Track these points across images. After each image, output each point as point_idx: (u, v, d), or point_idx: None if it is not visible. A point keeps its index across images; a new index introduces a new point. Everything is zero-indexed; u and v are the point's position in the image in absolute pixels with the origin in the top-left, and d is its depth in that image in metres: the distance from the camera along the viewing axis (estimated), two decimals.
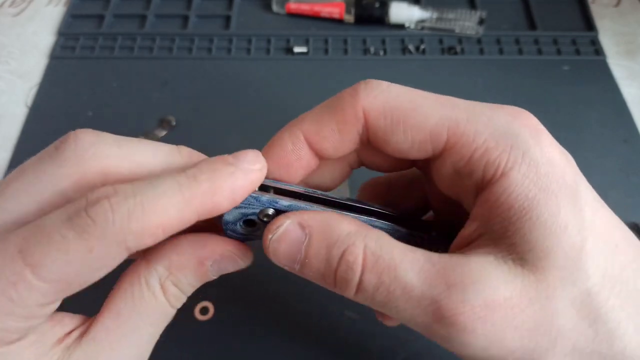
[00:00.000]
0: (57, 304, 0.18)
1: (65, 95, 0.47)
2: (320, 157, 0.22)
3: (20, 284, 0.16)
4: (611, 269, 0.18)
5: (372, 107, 0.20)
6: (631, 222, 0.39)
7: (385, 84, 0.20)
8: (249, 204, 0.20)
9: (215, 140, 0.44)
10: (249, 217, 0.21)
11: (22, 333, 0.18)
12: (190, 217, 0.18)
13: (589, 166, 0.42)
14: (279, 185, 0.21)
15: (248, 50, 0.51)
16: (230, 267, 0.21)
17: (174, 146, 0.21)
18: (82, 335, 0.19)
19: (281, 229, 0.20)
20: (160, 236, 0.18)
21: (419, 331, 0.19)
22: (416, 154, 0.20)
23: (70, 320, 0.20)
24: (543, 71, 0.49)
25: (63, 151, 0.19)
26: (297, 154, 0.21)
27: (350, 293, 0.19)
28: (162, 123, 0.45)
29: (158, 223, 0.17)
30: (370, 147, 0.22)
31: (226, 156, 0.20)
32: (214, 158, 0.20)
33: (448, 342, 0.18)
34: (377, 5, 0.51)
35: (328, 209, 0.21)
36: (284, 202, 0.20)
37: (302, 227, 0.20)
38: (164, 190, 0.18)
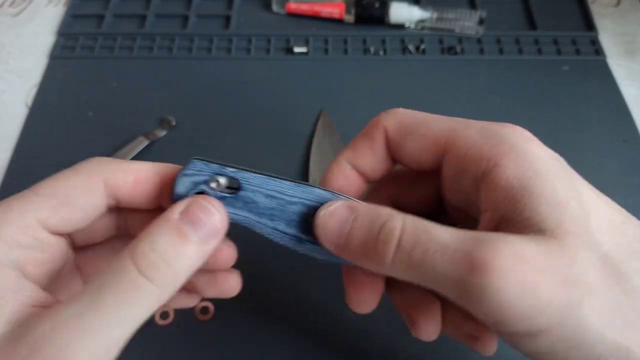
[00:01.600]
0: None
1: (65, 95, 0.47)
2: (364, 177, 0.26)
3: None
4: (621, 238, 0.20)
5: (389, 124, 0.24)
6: None
7: (401, 109, 0.25)
8: (200, 171, 0.23)
9: (215, 139, 0.44)
10: (200, 189, 0.23)
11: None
12: (155, 175, 0.24)
13: (588, 166, 0.42)
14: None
15: (248, 50, 0.51)
16: (202, 216, 0.22)
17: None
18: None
19: (332, 207, 0.23)
20: (131, 181, 0.23)
21: (453, 295, 0.20)
22: (425, 159, 0.24)
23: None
24: (543, 71, 0.49)
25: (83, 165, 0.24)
26: (344, 176, 0.26)
27: (389, 255, 0.21)
28: (162, 123, 0.45)
29: (129, 169, 0.23)
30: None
31: None
32: None
33: (482, 296, 0.19)
34: (377, 5, 0.51)
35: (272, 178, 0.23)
36: (231, 169, 0.23)
37: (350, 208, 0.22)
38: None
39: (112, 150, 0.43)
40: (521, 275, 0.18)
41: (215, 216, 0.22)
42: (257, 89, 0.48)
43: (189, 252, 0.21)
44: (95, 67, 0.50)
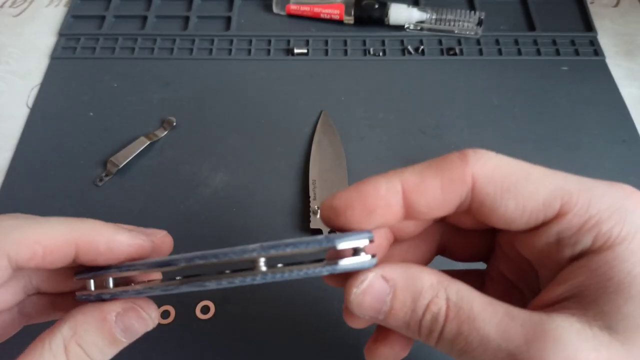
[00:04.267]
0: None
1: (66, 96, 0.48)
2: (409, 213, 0.20)
3: None
4: None
5: (482, 173, 0.19)
6: None
7: (493, 153, 0.20)
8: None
9: (215, 140, 0.44)
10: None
11: None
12: (69, 244, 0.21)
13: (587, 166, 0.42)
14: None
15: (248, 51, 0.51)
16: (136, 324, 0.22)
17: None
18: None
19: (365, 283, 0.19)
20: (39, 253, 0.20)
21: None
22: (523, 223, 0.20)
23: None
24: (542, 72, 0.49)
25: None
26: (386, 200, 0.20)
27: (432, 342, 0.19)
28: (163, 123, 0.45)
29: (36, 239, 0.20)
30: (460, 216, 0.22)
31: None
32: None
33: None
34: (376, 6, 0.51)
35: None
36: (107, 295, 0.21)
37: (385, 279, 0.19)
38: (50, 219, 0.21)
39: (113, 150, 0.43)
40: None
41: (149, 326, 0.22)
42: (257, 90, 0.48)
43: (114, 351, 0.22)
44: (96, 67, 0.50)
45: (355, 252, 0.19)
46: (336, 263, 0.19)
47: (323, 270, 0.19)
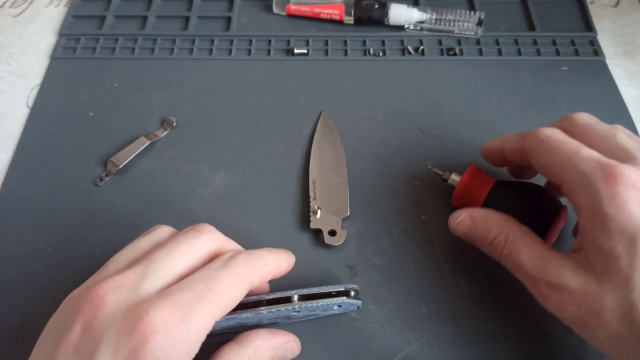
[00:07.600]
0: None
1: (66, 96, 0.48)
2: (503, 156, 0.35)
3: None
4: None
5: (530, 149, 0.32)
6: None
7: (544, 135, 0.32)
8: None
9: (216, 140, 0.44)
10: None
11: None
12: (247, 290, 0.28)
13: None
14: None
15: (249, 51, 0.51)
16: (289, 354, 0.31)
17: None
18: None
19: (460, 218, 0.33)
20: (265, 279, 0.30)
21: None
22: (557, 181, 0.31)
23: None
24: (542, 72, 0.49)
25: (203, 232, 0.29)
26: (493, 154, 0.36)
27: (496, 258, 0.32)
28: (163, 123, 0.45)
29: (267, 272, 0.29)
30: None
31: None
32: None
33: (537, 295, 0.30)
34: (376, 6, 0.51)
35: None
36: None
37: (472, 218, 0.33)
38: (264, 254, 0.30)
39: (113, 150, 0.43)
40: (557, 300, 0.28)
41: (294, 355, 0.32)
42: (257, 90, 0.48)
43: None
44: (96, 67, 0.50)
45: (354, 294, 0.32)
46: (340, 304, 0.32)
47: (334, 303, 0.31)
